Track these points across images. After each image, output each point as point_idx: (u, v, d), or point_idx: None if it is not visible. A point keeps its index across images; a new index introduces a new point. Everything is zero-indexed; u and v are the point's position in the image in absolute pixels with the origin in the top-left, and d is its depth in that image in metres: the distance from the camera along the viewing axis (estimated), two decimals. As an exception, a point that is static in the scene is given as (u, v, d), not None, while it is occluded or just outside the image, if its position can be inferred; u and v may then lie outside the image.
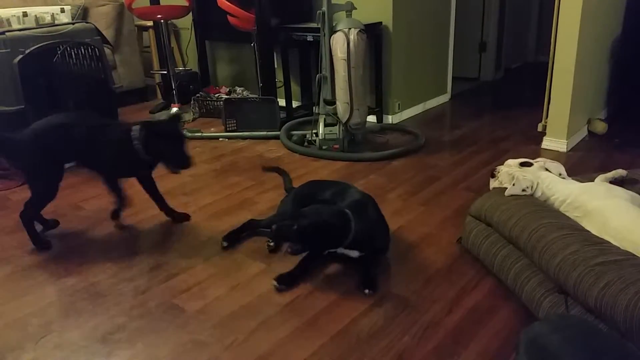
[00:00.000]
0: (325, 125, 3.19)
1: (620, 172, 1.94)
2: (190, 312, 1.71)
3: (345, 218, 1.81)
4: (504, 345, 1.52)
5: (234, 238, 2.15)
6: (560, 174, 1.93)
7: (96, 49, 3.18)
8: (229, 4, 3.56)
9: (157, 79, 4.62)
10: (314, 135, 3.24)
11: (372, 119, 3.78)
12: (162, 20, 4.03)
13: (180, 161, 2.08)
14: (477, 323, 1.62)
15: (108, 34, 4.17)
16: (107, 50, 3.78)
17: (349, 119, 3.12)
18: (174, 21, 4.64)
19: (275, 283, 1.81)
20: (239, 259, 2.03)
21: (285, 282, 1.82)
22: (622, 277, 1.35)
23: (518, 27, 5.61)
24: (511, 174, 1.94)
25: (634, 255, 1.44)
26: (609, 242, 1.53)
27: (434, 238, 2.14)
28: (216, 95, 4.11)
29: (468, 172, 2.84)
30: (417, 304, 1.72)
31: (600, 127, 3.33)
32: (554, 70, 3.05)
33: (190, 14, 4.24)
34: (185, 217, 2.37)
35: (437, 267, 1.93)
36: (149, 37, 4.67)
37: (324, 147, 3.16)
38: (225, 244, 2.12)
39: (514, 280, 1.69)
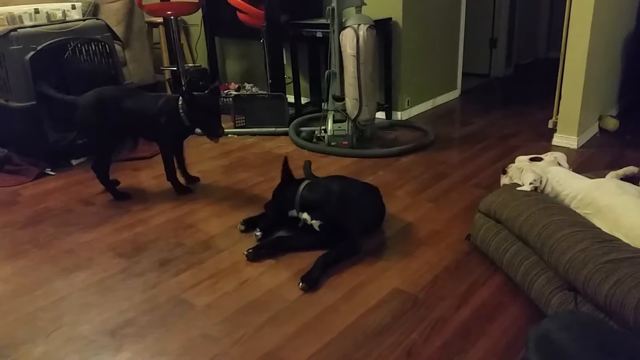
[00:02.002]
0: (334, 121, 3.19)
1: (631, 169, 1.92)
2: (199, 307, 1.72)
3: (295, 184, 2.08)
4: (512, 342, 1.51)
5: (251, 224, 2.20)
6: (559, 164, 1.94)
7: (107, 46, 3.20)
8: (238, 0, 3.56)
9: (167, 75, 4.64)
10: (322, 131, 3.23)
11: (381, 115, 3.77)
12: (172, 17, 4.04)
13: (214, 130, 2.38)
14: (486, 320, 1.61)
15: (118, 30, 4.18)
16: (117, 47, 3.79)
17: (357, 115, 3.12)
18: (184, 18, 4.65)
19: (301, 284, 1.81)
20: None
21: (309, 281, 1.82)
22: (632, 275, 1.34)
23: (529, 23, 5.56)
24: (520, 168, 1.94)
25: (645, 252, 1.43)
26: (619, 240, 1.51)
27: (443, 235, 2.13)
28: (225, 91, 4.12)
29: (477, 168, 2.83)
30: (425, 301, 1.71)
31: (612, 124, 3.29)
32: (564, 67, 3.02)
33: (200, 10, 4.25)
34: (196, 179, 2.74)
35: (445, 264, 1.92)
36: (159, 34, 4.68)
37: (332, 144, 3.15)
38: (242, 227, 2.19)
39: (523, 277, 1.68)
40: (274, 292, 1.79)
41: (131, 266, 1.99)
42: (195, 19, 4.58)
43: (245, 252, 1.99)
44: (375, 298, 1.73)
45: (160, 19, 4.49)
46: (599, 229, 1.58)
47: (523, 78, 5.16)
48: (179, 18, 4.18)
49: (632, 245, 1.48)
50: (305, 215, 2.04)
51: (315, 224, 2.02)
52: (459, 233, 2.13)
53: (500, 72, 5.14)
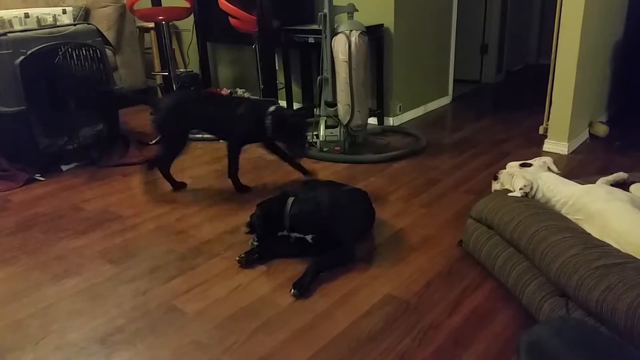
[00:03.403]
0: (326, 127, 3.19)
1: (621, 175, 1.94)
2: (190, 314, 1.71)
3: (281, 202, 2.00)
4: (504, 348, 1.51)
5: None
6: (549, 169, 1.95)
7: (97, 50, 3.18)
8: (230, 5, 3.56)
9: (158, 80, 4.63)
10: (314, 137, 3.24)
11: (373, 121, 3.78)
12: (163, 22, 4.03)
13: (299, 150, 2.54)
14: (478, 326, 1.61)
15: (109, 35, 4.17)
16: (108, 52, 3.78)
17: (350, 121, 3.13)
18: (176, 23, 4.64)
19: (293, 290, 1.80)
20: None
21: (300, 288, 1.81)
22: (623, 280, 1.34)
23: (519, 29, 5.61)
24: (511, 174, 1.95)
25: (634, 258, 1.44)
26: (610, 245, 1.52)
27: (435, 240, 2.14)
28: (217, 96, 4.10)
29: (469, 174, 2.84)
30: (417, 307, 1.71)
31: (602, 130, 3.32)
32: (555, 73, 3.05)
33: (192, 15, 4.25)
34: (312, 173, 2.79)
35: (438, 270, 1.92)
36: (151, 39, 4.67)
37: (324, 149, 3.15)
38: (247, 229, 2.17)
39: (515, 283, 1.69)
40: (266, 298, 1.78)
41: (122, 272, 1.97)
42: (187, 24, 4.58)
43: (237, 258, 1.98)
44: (368, 304, 1.73)
45: (151, 24, 4.48)
46: (590, 234, 1.59)
47: (514, 84, 5.20)
48: (170, 23, 4.17)
49: (622, 250, 1.49)
50: (296, 234, 2.00)
51: (308, 237, 1.99)
52: (451, 239, 2.13)
53: (491, 78, 5.18)
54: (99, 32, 3.32)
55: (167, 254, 2.09)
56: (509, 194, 1.89)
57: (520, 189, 1.86)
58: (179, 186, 2.72)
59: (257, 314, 1.70)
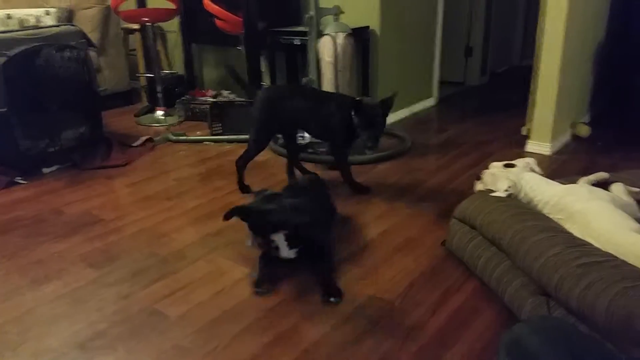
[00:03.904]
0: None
1: (602, 175, 1.96)
2: (172, 318, 1.69)
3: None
4: (487, 347, 1.51)
5: None
6: (532, 170, 1.97)
7: (81, 52, 3.15)
8: (216, 7, 3.55)
9: (143, 82, 4.59)
10: (300, 138, 3.22)
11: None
12: (148, 24, 4.00)
13: (371, 141, 2.38)
14: (461, 325, 1.61)
15: (94, 36, 4.13)
16: (92, 53, 3.74)
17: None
18: (161, 24, 4.61)
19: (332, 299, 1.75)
20: (223, 263, 2.01)
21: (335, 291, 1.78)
22: (603, 279, 1.35)
23: (504, 31, 5.66)
24: (494, 174, 1.96)
25: (614, 256, 1.45)
26: (590, 244, 1.53)
27: (419, 241, 2.14)
28: (202, 98, 4.09)
29: (453, 175, 2.85)
30: (401, 307, 1.71)
31: (584, 130, 3.36)
32: (538, 75, 3.08)
33: (177, 17, 4.22)
34: (366, 189, 2.65)
35: (421, 270, 1.92)
36: (135, 40, 4.64)
37: (309, 151, 3.15)
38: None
39: (497, 282, 1.70)
40: (250, 302, 1.77)
41: (103, 277, 1.94)
42: (172, 26, 4.55)
43: (256, 291, 1.82)
44: (352, 306, 1.72)
45: (136, 26, 4.45)
46: (571, 234, 1.61)
47: (498, 86, 5.24)
48: (155, 24, 4.15)
49: (602, 249, 1.50)
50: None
51: (292, 253, 1.84)
52: (435, 239, 2.14)
53: (476, 80, 5.22)
54: (82, 34, 3.29)
55: (149, 258, 2.07)
56: (492, 194, 1.90)
57: (505, 190, 1.87)
58: (245, 190, 2.65)
59: (241, 318, 1.68)
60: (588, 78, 3.53)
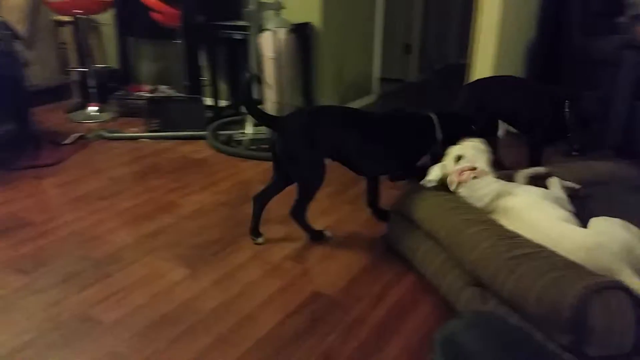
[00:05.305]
0: (254, 125, 3.15)
1: (538, 170, 2.03)
2: (107, 324, 1.62)
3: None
4: (425, 338, 1.55)
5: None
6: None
7: (6, 44, 2.96)
8: (151, -1, 3.44)
9: (75, 76, 4.37)
10: (242, 135, 3.19)
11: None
12: (81, 16, 3.81)
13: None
14: (400, 318, 1.65)
15: (21, 28, 3.89)
16: (19, 47, 3.53)
17: (277, 119, 3.10)
18: (94, 16, 4.41)
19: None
20: (161, 265, 1.95)
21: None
22: (533, 269, 1.41)
23: (441, 30, 5.82)
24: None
25: (545, 248, 1.51)
26: (522, 236, 1.59)
27: (360, 236, 2.17)
28: (138, 93, 3.95)
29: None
30: (342, 303, 1.72)
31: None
32: (473, 72, 3.18)
33: (112, 9, 4.05)
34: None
35: (362, 265, 1.95)
36: (67, 33, 4.40)
37: (252, 147, 3.11)
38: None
39: (434, 275, 1.74)
40: (188, 304, 1.72)
41: (32, 282, 1.83)
42: (106, 18, 4.36)
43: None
44: (294, 303, 1.72)
45: (68, 18, 4.22)
46: (503, 226, 1.66)
47: (436, 83, 5.38)
48: (88, 17, 3.96)
49: (533, 241, 1.56)
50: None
51: None
52: (375, 233, 2.17)
53: (415, 77, 5.34)
54: (6, 25, 3.08)
55: (81, 261, 1.97)
56: (425, 181, 1.93)
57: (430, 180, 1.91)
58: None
59: (179, 320, 1.64)
60: (520, 75, 3.68)
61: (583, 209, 1.70)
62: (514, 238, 1.57)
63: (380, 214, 2.26)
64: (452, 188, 1.85)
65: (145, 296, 1.76)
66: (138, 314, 1.67)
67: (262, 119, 2.03)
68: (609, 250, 1.40)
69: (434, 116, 2.13)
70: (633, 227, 1.46)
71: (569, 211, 1.68)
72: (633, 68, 2.86)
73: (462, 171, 1.84)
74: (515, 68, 3.54)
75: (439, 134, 2.09)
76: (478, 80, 2.75)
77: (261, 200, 2.11)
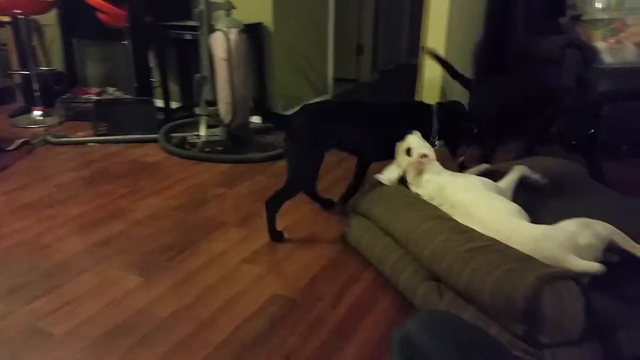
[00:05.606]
0: (208, 126, 3.10)
1: (482, 167, 2.09)
2: (58, 336, 1.55)
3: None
4: (385, 334, 1.57)
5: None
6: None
7: None
8: (97, -1, 3.32)
9: (18, 79, 4.18)
10: (195, 137, 3.13)
11: (257, 119, 3.74)
12: (21, 16, 3.64)
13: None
14: (360, 315, 1.66)
15: (-47, 29, 3.68)
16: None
17: (232, 120, 3.06)
18: (36, 17, 4.22)
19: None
20: (113, 274, 1.88)
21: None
22: (487, 262, 1.45)
23: (392, 30, 5.92)
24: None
25: (497, 241, 1.56)
26: (475, 230, 1.63)
27: (320, 235, 2.17)
28: (85, 96, 3.81)
29: (349, 168, 2.90)
30: (302, 303, 1.72)
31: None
32: (423, 72, 3.24)
33: (55, 9, 3.89)
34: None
35: (322, 264, 1.95)
36: (7, 34, 4.19)
37: (206, 150, 3.06)
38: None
39: (392, 271, 1.76)
40: (143, 311, 1.67)
41: (-27, 297, 1.74)
42: (49, 19, 4.18)
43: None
44: (253, 306, 1.70)
45: (7, 18, 4.02)
46: (456, 221, 1.70)
47: (387, 83, 5.46)
48: (30, 17, 3.79)
49: (485, 234, 1.61)
50: None
51: None
52: (335, 232, 2.17)
53: (367, 77, 5.41)
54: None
55: (29, 272, 1.88)
56: (387, 182, 1.95)
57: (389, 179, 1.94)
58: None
59: (134, 329, 1.58)
60: (470, 73, 3.78)
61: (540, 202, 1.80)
62: (467, 232, 1.61)
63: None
64: (410, 179, 1.92)
65: (98, 306, 1.70)
66: (90, 325, 1.60)
67: (270, 118, 2.33)
68: (554, 239, 1.46)
69: (433, 106, 2.28)
70: (597, 224, 1.48)
71: (513, 203, 1.73)
72: (575, 66, 2.99)
73: (417, 161, 1.90)
74: (464, 67, 3.63)
75: (435, 123, 2.23)
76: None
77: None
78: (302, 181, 2.13)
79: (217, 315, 1.66)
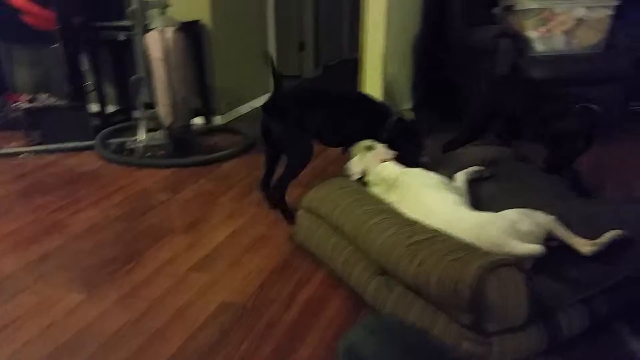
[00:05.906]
0: (147, 130, 3.00)
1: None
2: (-5, 363, 1.46)
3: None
4: (337, 334, 1.56)
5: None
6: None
7: None
8: (20, 1, 3.13)
9: (-64, 88, 3.89)
10: (135, 142, 3.02)
11: (201, 120, 3.66)
12: None
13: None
14: (313, 315, 1.65)
15: None
16: None
17: (172, 123, 2.98)
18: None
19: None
20: (53, 292, 1.78)
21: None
22: (433, 254, 1.47)
23: (333, 26, 5.94)
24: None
25: (441, 232, 1.59)
26: (420, 223, 1.66)
27: (269, 237, 2.14)
28: (15, 104, 3.60)
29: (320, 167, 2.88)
30: (254, 308, 1.69)
31: (408, 116, 3.66)
32: (364, 66, 3.27)
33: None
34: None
35: (272, 267, 1.93)
36: None
37: (147, 155, 2.96)
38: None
39: (343, 268, 1.77)
40: (88, 329, 1.60)
41: None
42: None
43: None
44: (203, 316, 1.66)
45: None
46: (403, 215, 1.73)
47: (331, 78, 5.48)
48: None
49: (433, 225, 1.63)
50: None
51: None
52: (284, 233, 2.16)
53: (310, 73, 5.41)
54: None
55: (-42, 297, 1.76)
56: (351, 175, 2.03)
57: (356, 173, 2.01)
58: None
59: (80, 349, 1.51)
60: (410, 68, 3.85)
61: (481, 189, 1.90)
62: (413, 225, 1.64)
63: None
64: (370, 169, 2.02)
65: (39, 327, 1.61)
66: (31, 348, 1.52)
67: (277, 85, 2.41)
68: (496, 225, 1.51)
69: (392, 117, 2.33)
70: (537, 214, 1.55)
71: (463, 196, 1.80)
72: (509, 55, 3.10)
73: (380, 151, 2.05)
74: (403, 59, 3.69)
75: (386, 133, 2.28)
76: None
77: (267, 185, 2.35)
78: (304, 152, 2.25)
79: (167, 327, 1.61)
